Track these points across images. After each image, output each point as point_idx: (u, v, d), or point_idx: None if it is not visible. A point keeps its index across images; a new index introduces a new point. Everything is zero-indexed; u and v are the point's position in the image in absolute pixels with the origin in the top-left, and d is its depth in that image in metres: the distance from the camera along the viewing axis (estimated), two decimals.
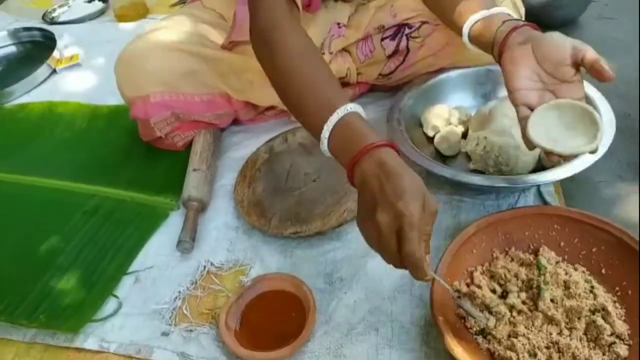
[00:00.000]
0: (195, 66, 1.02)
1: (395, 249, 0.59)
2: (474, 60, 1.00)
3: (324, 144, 0.70)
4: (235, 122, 1.15)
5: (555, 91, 0.71)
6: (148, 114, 1.02)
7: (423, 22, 1.01)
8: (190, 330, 0.80)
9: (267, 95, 1.06)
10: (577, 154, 0.68)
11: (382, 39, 1.04)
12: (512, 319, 0.70)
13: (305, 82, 0.74)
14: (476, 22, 0.79)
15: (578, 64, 0.69)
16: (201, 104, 1.05)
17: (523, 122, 0.70)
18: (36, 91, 1.43)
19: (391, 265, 0.62)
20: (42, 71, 1.45)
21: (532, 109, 0.70)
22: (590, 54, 0.68)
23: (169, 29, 1.05)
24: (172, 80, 1.01)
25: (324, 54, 1.02)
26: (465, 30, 0.81)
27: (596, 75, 0.67)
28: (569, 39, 0.70)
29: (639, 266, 0.69)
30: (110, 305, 0.86)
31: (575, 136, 0.68)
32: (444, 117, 0.97)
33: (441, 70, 1.04)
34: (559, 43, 0.70)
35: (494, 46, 0.76)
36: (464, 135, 0.96)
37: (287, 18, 0.79)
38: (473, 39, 0.81)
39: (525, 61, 0.71)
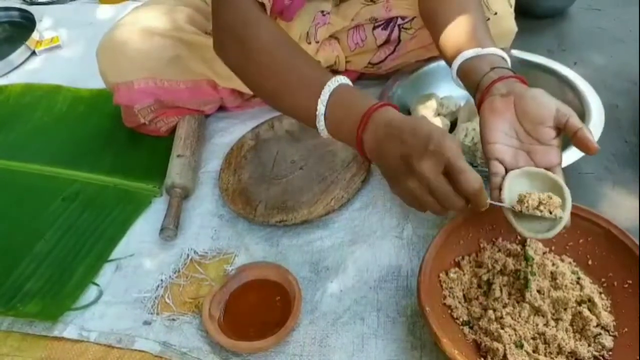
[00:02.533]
0: (179, 52, 1.00)
1: (450, 189, 0.58)
2: None
3: (321, 122, 0.68)
4: (221, 108, 1.13)
5: (530, 152, 0.67)
6: (132, 100, 1.00)
7: (417, 16, 1.00)
8: (173, 320, 0.79)
9: None
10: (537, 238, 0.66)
11: (374, 28, 1.02)
12: (497, 310, 0.69)
13: (287, 70, 0.72)
14: (466, 59, 0.74)
15: (559, 128, 0.66)
16: (186, 91, 1.03)
17: (494, 177, 0.67)
18: (14, 73, 1.40)
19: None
20: (21, 53, 1.42)
21: (504, 165, 0.67)
22: (574, 120, 0.64)
23: (152, 13, 1.02)
24: (156, 66, 0.99)
25: (310, 43, 1.01)
26: (455, 66, 0.76)
27: (579, 144, 0.64)
28: (553, 99, 0.66)
29: (624, 259, 0.70)
30: (90, 293, 0.84)
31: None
32: (432, 107, 0.96)
33: (431, 59, 1.03)
34: (543, 102, 0.66)
35: (477, 92, 0.72)
36: (453, 126, 0.96)
37: (255, 10, 0.76)
38: (460, 76, 0.76)
39: (504, 114, 0.67)
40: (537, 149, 0.66)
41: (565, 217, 0.63)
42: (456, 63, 0.75)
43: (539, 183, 0.66)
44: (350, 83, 0.69)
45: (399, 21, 1.01)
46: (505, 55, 0.75)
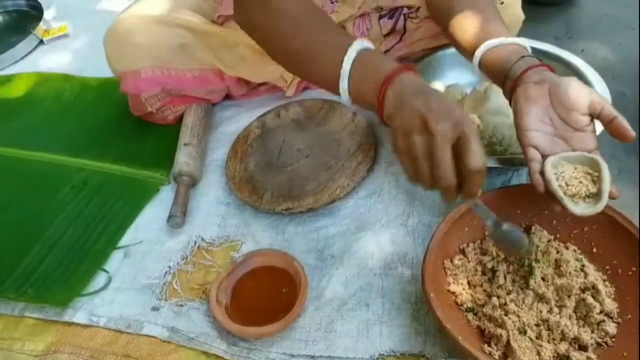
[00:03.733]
0: (185, 40, 1.00)
1: (451, 162, 0.59)
2: None
3: (344, 80, 0.69)
4: (227, 97, 1.13)
5: (566, 138, 0.67)
6: (139, 89, 1.00)
7: (422, 6, 0.99)
8: (181, 305, 0.80)
9: (260, 72, 1.05)
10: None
11: (380, 17, 1.02)
12: (501, 297, 0.70)
13: (314, 32, 0.74)
14: (490, 48, 0.74)
15: (593, 116, 0.66)
16: (193, 80, 1.03)
17: (532, 163, 0.67)
18: (23, 62, 1.40)
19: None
20: (29, 42, 1.43)
21: (539, 151, 0.67)
22: (608, 108, 0.65)
23: (158, 1, 1.02)
24: (162, 55, 0.99)
25: None
26: (478, 54, 0.76)
27: (615, 133, 0.65)
28: (587, 88, 0.67)
29: (628, 247, 0.70)
30: (99, 279, 0.85)
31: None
32: None
33: (437, 47, 1.02)
34: (578, 90, 0.66)
35: (507, 80, 0.72)
36: None
37: None
38: (482, 66, 0.77)
39: (540, 101, 0.68)
40: (573, 135, 0.67)
41: (607, 188, 0.64)
42: (480, 51, 0.76)
43: (579, 165, 0.66)
44: (373, 47, 0.71)
45: (405, 10, 1.00)
46: (527, 44, 0.75)
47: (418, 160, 0.62)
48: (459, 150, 0.60)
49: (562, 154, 0.67)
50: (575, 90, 0.67)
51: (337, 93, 0.71)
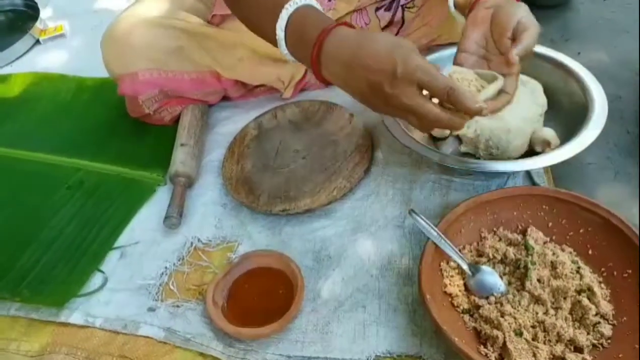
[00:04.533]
0: (182, 42, 1.00)
1: (430, 107, 0.60)
2: None
3: (282, 47, 0.69)
4: (225, 98, 1.13)
5: (489, 60, 0.72)
6: (136, 91, 1.00)
7: None
8: (177, 306, 0.80)
9: (257, 73, 1.05)
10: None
11: (377, 10, 1.02)
12: (497, 298, 0.70)
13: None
14: None
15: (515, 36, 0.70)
16: (190, 82, 1.03)
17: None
18: (19, 62, 1.40)
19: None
20: (25, 41, 1.42)
21: None
22: (526, 35, 0.68)
23: (155, 3, 1.03)
24: (160, 57, 0.99)
25: None
26: None
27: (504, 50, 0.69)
28: (525, 12, 0.70)
29: (624, 249, 0.70)
30: (95, 280, 0.85)
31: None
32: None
33: (435, 48, 1.02)
34: (511, 12, 0.70)
35: (467, 8, 0.76)
36: None
37: None
38: (456, 5, 0.81)
39: (482, 25, 0.72)
40: (495, 58, 0.71)
41: (486, 95, 0.66)
42: None
43: (481, 78, 0.69)
44: (313, 3, 0.69)
45: (402, 1, 1.01)
46: None
47: (404, 119, 0.63)
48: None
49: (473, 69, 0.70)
50: (508, 12, 0.70)
51: None
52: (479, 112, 0.60)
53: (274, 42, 0.70)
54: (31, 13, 1.51)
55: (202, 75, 1.04)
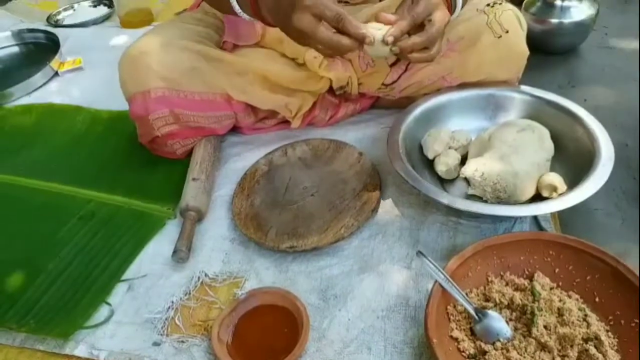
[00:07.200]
0: (197, 64, 1.03)
1: (331, 35, 0.76)
2: (477, 71, 1.00)
3: (234, 3, 0.87)
4: (235, 129, 1.15)
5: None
6: (147, 109, 1.01)
7: None
8: (182, 342, 0.80)
9: (266, 99, 1.08)
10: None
11: None
12: (504, 344, 0.70)
13: None
14: None
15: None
16: (201, 103, 1.05)
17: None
18: (37, 93, 1.43)
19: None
20: (44, 73, 1.46)
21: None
22: (435, 18, 0.79)
23: (174, 28, 1.07)
24: (173, 77, 1.01)
25: (316, 57, 1.04)
26: None
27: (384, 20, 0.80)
28: None
29: (632, 297, 0.70)
30: (102, 312, 0.85)
31: None
32: (444, 141, 0.97)
33: (443, 90, 1.04)
34: None
35: None
36: (464, 159, 0.97)
37: None
38: None
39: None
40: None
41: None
42: None
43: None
44: None
45: None
46: None
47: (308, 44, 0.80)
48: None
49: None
50: None
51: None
52: (362, 38, 0.76)
53: (230, 9, 0.87)
54: (52, 46, 1.56)
55: (213, 97, 1.06)
